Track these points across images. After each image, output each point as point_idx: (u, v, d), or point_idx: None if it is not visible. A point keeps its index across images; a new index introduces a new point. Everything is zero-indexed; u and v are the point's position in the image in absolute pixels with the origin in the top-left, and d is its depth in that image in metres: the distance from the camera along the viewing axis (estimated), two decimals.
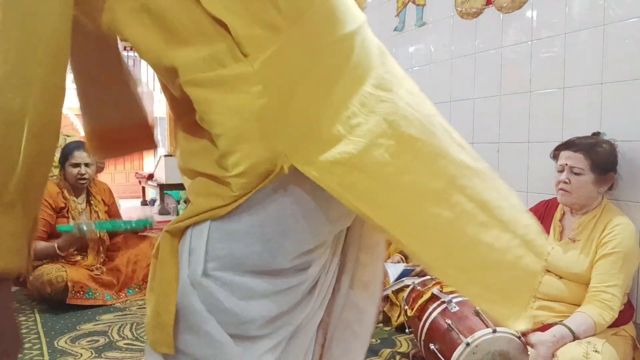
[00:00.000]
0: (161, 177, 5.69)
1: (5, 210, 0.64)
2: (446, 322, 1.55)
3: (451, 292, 1.70)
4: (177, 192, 6.06)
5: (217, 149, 0.69)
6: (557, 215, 1.78)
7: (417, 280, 1.91)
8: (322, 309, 0.86)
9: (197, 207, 0.73)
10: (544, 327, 1.56)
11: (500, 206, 0.86)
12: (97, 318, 2.41)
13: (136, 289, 2.77)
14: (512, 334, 1.49)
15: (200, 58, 0.69)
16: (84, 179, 2.76)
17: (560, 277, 1.69)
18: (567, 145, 1.69)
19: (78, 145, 2.83)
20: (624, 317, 1.60)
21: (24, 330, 2.25)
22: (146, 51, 0.72)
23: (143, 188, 7.38)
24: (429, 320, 1.64)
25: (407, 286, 2.12)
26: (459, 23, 2.59)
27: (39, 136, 0.65)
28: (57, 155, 2.89)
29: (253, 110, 0.68)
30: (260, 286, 0.74)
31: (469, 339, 1.45)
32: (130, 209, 6.53)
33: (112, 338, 2.15)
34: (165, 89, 0.79)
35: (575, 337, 1.48)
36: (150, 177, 6.46)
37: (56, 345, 2.06)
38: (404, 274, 2.21)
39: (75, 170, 2.74)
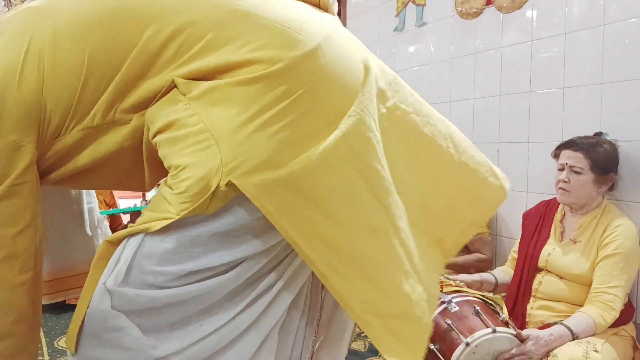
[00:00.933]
0: None
1: None
2: (446, 322, 1.55)
3: (451, 292, 1.70)
4: None
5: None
6: (558, 216, 1.78)
7: None
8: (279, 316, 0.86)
9: (139, 219, 0.80)
10: (544, 327, 1.57)
11: (416, 254, 0.88)
12: None
13: None
14: (512, 334, 1.49)
15: (153, 116, 0.82)
16: None
17: (561, 278, 1.69)
18: (568, 144, 1.70)
19: None
20: (624, 317, 1.60)
21: None
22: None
23: None
24: None
25: None
26: (459, 23, 2.59)
27: None
28: None
29: (192, 139, 0.76)
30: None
31: (469, 339, 1.45)
32: None
33: None
34: None
35: (574, 337, 1.48)
36: None
37: (56, 345, 2.06)
38: None
39: None
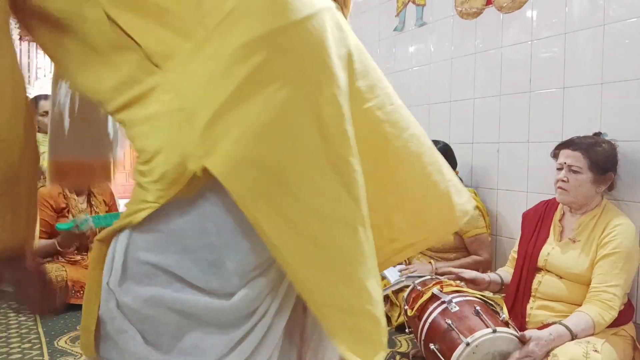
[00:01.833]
0: None
1: None
2: (446, 322, 1.55)
3: (451, 292, 1.70)
4: None
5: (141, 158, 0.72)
6: (557, 215, 1.78)
7: (418, 280, 1.91)
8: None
9: (123, 214, 0.75)
10: (544, 327, 1.56)
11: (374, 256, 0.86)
12: None
13: None
14: (512, 334, 1.49)
15: (112, 88, 0.73)
16: None
17: (561, 277, 1.69)
18: (567, 144, 1.70)
19: None
20: (623, 317, 1.60)
21: (23, 331, 2.25)
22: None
23: None
24: (429, 320, 1.64)
25: (407, 286, 2.12)
26: (459, 23, 2.59)
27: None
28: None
29: (166, 119, 0.70)
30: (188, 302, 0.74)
31: (469, 339, 1.45)
32: None
33: None
34: None
35: (573, 337, 1.48)
36: None
37: (56, 345, 2.06)
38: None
39: None
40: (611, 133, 1.87)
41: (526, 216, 1.90)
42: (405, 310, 1.83)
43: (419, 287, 1.83)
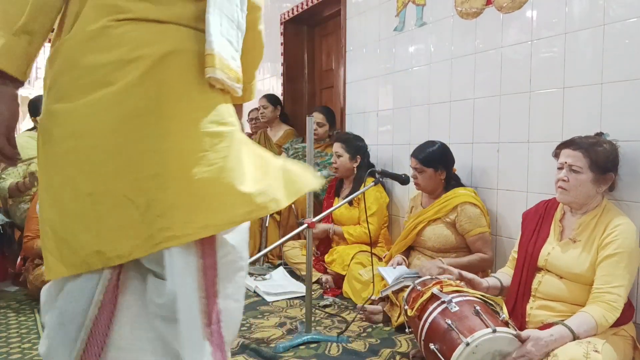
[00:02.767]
0: None
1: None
2: (446, 322, 1.55)
3: (451, 292, 1.70)
4: None
5: None
6: (558, 215, 1.78)
7: (417, 280, 1.91)
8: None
9: None
10: (544, 327, 1.56)
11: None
12: None
13: None
14: (512, 333, 1.49)
15: None
16: None
17: (561, 277, 1.69)
18: (568, 143, 1.70)
19: None
20: (624, 317, 1.59)
21: (23, 331, 2.25)
22: None
23: None
24: (429, 320, 1.64)
25: (407, 286, 2.12)
26: (459, 23, 2.59)
27: None
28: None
29: None
30: None
31: (469, 339, 1.45)
32: None
33: None
34: None
35: (575, 338, 1.48)
36: None
37: None
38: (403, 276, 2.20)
39: None
40: (611, 133, 1.87)
41: (526, 216, 1.90)
42: (405, 310, 1.83)
43: (418, 287, 1.84)
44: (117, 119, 0.99)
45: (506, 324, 1.55)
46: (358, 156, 2.99)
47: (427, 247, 2.40)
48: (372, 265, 2.39)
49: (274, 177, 1.17)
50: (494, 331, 1.45)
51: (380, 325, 2.29)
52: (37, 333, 2.21)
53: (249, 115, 4.66)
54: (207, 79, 1.06)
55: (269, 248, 2.27)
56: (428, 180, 2.40)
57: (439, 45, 2.74)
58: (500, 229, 2.41)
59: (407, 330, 1.85)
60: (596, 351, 1.43)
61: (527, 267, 1.77)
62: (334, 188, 3.17)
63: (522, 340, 1.47)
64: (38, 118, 3.45)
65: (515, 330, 1.53)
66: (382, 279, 2.36)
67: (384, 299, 2.31)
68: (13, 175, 3.14)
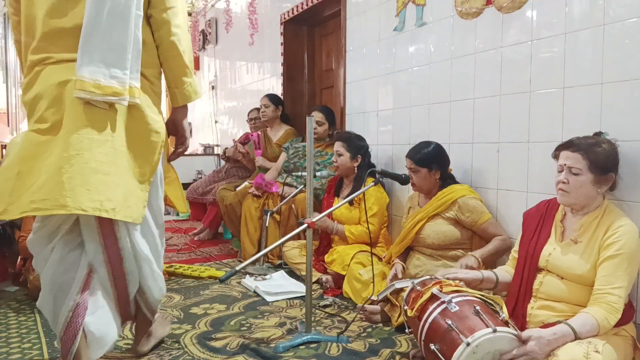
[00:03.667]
0: None
1: None
2: (446, 322, 1.55)
3: (451, 292, 1.70)
4: None
5: None
6: (559, 215, 1.77)
7: (416, 280, 1.91)
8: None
9: None
10: (545, 327, 1.56)
11: None
12: None
13: None
14: (512, 333, 1.49)
15: None
16: None
17: (562, 278, 1.69)
18: (567, 145, 1.69)
19: None
20: (624, 317, 1.59)
21: (23, 331, 2.25)
22: None
23: None
24: (429, 321, 1.64)
25: (400, 289, 2.13)
26: (459, 23, 2.59)
27: None
28: None
29: None
30: None
31: (469, 339, 1.45)
32: None
33: None
34: None
35: (577, 337, 1.48)
36: None
37: (56, 345, 2.06)
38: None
39: None
40: (611, 133, 1.87)
41: (527, 216, 1.90)
42: (405, 311, 1.83)
43: (418, 287, 1.83)
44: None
45: (506, 324, 1.55)
46: (359, 156, 2.99)
47: (427, 244, 2.39)
48: (372, 265, 2.39)
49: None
50: (495, 331, 1.45)
51: (380, 325, 2.29)
52: (37, 333, 2.21)
53: (248, 115, 4.66)
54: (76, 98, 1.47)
55: (269, 248, 2.27)
56: (423, 180, 2.41)
57: (439, 45, 2.74)
58: None
59: (407, 330, 1.85)
60: (596, 351, 1.43)
61: (528, 267, 1.77)
62: (333, 188, 3.17)
63: (523, 341, 1.47)
64: None
65: (516, 329, 1.53)
66: (383, 279, 2.36)
67: (384, 300, 2.31)
68: None
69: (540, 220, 1.82)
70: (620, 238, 1.57)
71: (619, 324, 1.58)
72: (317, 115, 3.53)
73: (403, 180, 2.39)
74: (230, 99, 6.03)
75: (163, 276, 1.86)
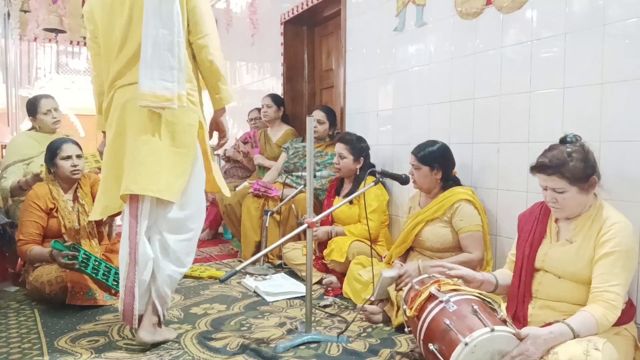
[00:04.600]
0: None
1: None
2: (444, 322, 1.55)
3: (449, 291, 1.70)
4: None
5: None
6: (553, 216, 1.78)
7: (415, 279, 1.91)
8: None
9: None
10: (545, 326, 1.56)
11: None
12: (97, 318, 2.41)
13: None
14: (510, 332, 1.49)
15: None
16: (78, 170, 2.76)
17: (559, 277, 1.69)
18: (540, 168, 1.66)
19: (65, 139, 2.83)
20: (625, 316, 1.59)
21: (23, 330, 2.25)
22: None
23: None
24: (428, 320, 1.64)
25: (394, 279, 2.21)
26: (459, 23, 2.59)
27: None
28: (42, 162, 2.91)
29: None
30: None
31: (467, 339, 1.44)
32: None
33: (112, 338, 2.15)
34: None
35: (575, 336, 1.48)
36: None
37: (56, 345, 2.06)
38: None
39: (68, 164, 2.73)
40: (611, 133, 1.87)
41: (522, 218, 1.90)
42: (404, 311, 1.83)
43: (417, 287, 1.83)
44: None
45: (504, 322, 1.55)
46: (361, 157, 3.00)
47: (426, 247, 2.40)
48: (372, 264, 2.39)
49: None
50: (492, 330, 1.45)
51: (380, 325, 2.29)
52: (37, 333, 2.21)
53: (248, 115, 4.66)
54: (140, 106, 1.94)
55: (269, 248, 2.27)
56: (423, 179, 2.40)
57: (439, 45, 2.74)
58: (500, 229, 2.41)
59: (406, 330, 1.85)
60: (596, 349, 1.42)
61: (526, 268, 1.77)
62: (334, 188, 3.17)
63: (521, 339, 1.47)
64: (32, 118, 3.44)
65: (514, 328, 1.53)
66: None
67: (384, 299, 2.31)
68: (14, 175, 3.14)
69: (534, 222, 1.82)
70: (615, 235, 1.57)
71: (620, 323, 1.58)
72: (319, 114, 3.53)
73: (403, 180, 2.39)
74: None
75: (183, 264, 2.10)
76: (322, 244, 3.13)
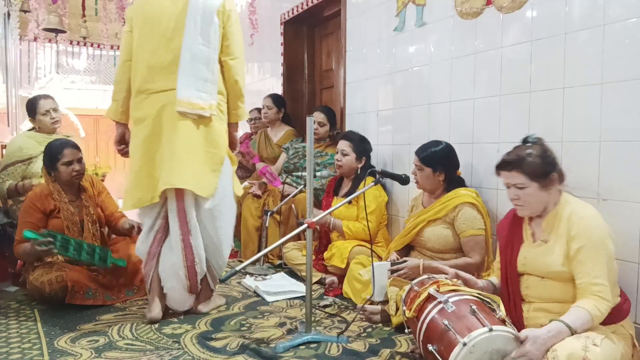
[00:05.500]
0: None
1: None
2: (443, 323, 1.55)
3: (448, 292, 1.70)
4: None
5: None
6: (526, 219, 1.80)
7: (415, 280, 1.91)
8: None
9: None
10: (543, 327, 1.56)
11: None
12: (97, 318, 2.41)
13: (135, 290, 2.76)
14: (509, 332, 1.49)
15: None
16: (80, 174, 2.75)
17: (543, 278, 1.71)
18: (501, 166, 1.73)
19: (64, 143, 2.77)
20: (621, 311, 1.61)
21: (23, 330, 2.25)
22: None
23: None
24: (427, 321, 1.64)
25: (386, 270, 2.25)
26: (459, 23, 2.59)
27: None
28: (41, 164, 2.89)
29: None
30: None
31: (466, 339, 1.45)
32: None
33: (112, 338, 2.15)
34: None
35: (572, 332, 1.48)
36: None
37: (56, 345, 2.06)
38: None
39: (69, 169, 2.71)
40: (612, 133, 1.87)
41: (499, 226, 1.93)
42: (404, 311, 1.83)
43: (416, 288, 1.84)
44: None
45: (503, 322, 1.55)
46: (364, 157, 3.00)
47: (427, 247, 2.39)
48: (372, 264, 2.38)
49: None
50: (491, 330, 1.46)
51: (380, 325, 2.29)
52: (37, 333, 2.21)
53: (248, 114, 4.66)
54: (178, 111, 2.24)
55: (269, 248, 2.27)
56: (426, 180, 2.40)
57: (439, 45, 2.74)
58: None
59: (406, 330, 1.85)
60: (595, 345, 1.44)
61: (510, 274, 1.80)
62: (332, 187, 3.17)
63: (521, 341, 1.47)
64: (31, 119, 3.42)
65: (513, 328, 1.53)
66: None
67: (384, 301, 2.31)
68: (12, 176, 3.14)
69: (511, 227, 1.86)
70: (583, 228, 1.60)
71: (616, 319, 1.59)
72: (319, 117, 3.53)
73: (403, 180, 2.39)
74: None
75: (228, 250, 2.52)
76: (322, 244, 3.14)
